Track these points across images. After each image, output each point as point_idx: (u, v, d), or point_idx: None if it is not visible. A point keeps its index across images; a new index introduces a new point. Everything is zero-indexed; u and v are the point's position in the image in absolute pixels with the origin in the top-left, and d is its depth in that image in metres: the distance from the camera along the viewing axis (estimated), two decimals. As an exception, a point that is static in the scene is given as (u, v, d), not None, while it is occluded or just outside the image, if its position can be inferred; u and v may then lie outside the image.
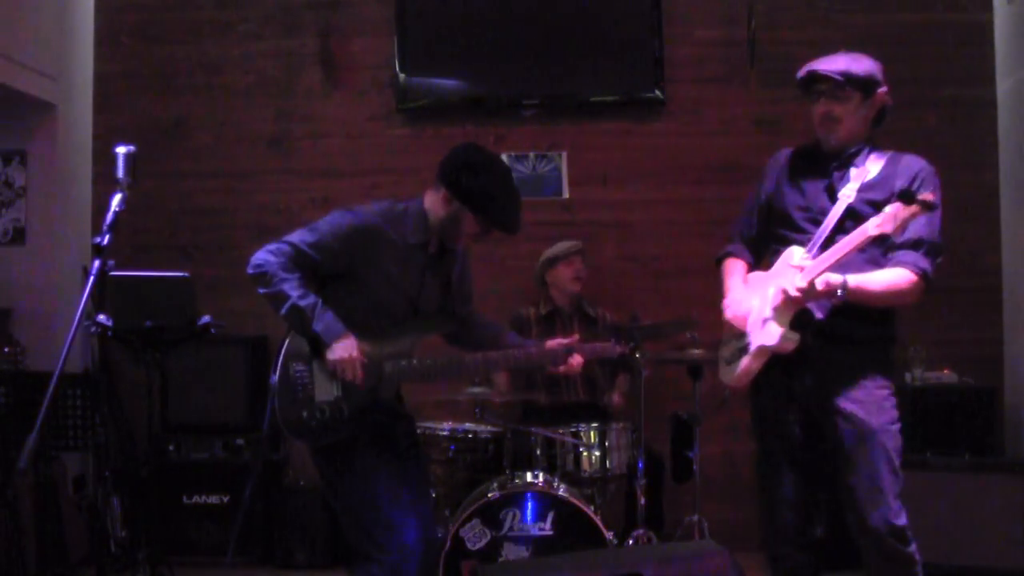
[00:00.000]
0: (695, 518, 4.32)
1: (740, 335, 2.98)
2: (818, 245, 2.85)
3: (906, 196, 2.59)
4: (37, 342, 4.62)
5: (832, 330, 2.85)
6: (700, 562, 2.72)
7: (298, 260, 2.91)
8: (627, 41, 5.21)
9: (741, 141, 5.21)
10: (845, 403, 2.83)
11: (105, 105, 5.35)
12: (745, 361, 2.93)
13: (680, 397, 4.76)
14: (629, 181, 5.28)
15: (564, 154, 5.30)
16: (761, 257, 3.19)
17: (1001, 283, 5.04)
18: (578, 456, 4.06)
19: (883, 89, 2.94)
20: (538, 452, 4.07)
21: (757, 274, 3.07)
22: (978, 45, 5.14)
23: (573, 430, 4.09)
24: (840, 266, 2.75)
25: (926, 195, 2.59)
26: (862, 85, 2.89)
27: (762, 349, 2.87)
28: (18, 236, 5.04)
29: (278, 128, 5.38)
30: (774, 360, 2.89)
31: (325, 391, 2.91)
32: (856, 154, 2.94)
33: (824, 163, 2.99)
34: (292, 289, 2.87)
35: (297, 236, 2.93)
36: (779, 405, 2.98)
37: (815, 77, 2.92)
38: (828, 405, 2.86)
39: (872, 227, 2.65)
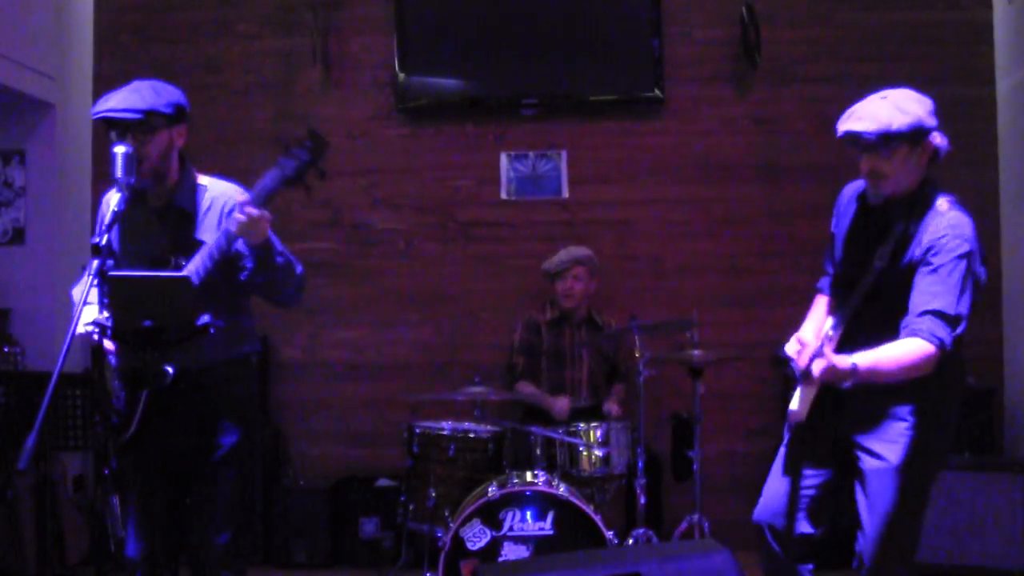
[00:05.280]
0: (695, 517, 4.31)
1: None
2: (847, 314, 2.69)
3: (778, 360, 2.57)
4: (37, 342, 4.62)
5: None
6: (700, 561, 2.71)
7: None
8: (626, 41, 5.21)
9: (741, 140, 5.22)
10: (868, 440, 2.74)
11: (105, 105, 5.34)
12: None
13: (680, 397, 4.76)
14: (629, 181, 5.28)
15: (564, 153, 5.30)
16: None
17: (1001, 283, 5.03)
18: (578, 456, 4.06)
19: (933, 135, 2.72)
20: (538, 452, 4.07)
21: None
22: (978, 44, 5.14)
23: (573, 429, 4.09)
24: (856, 328, 2.65)
25: (804, 367, 2.53)
26: (907, 138, 2.67)
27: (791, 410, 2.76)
28: (18, 236, 5.03)
29: (278, 128, 5.38)
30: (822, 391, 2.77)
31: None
32: (902, 207, 2.74)
33: (870, 214, 2.85)
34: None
35: None
36: (816, 434, 2.86)
37: (853, 137, 2.70)
38: (852, 442, 2.78)
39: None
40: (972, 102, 5.08)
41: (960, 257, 2.63)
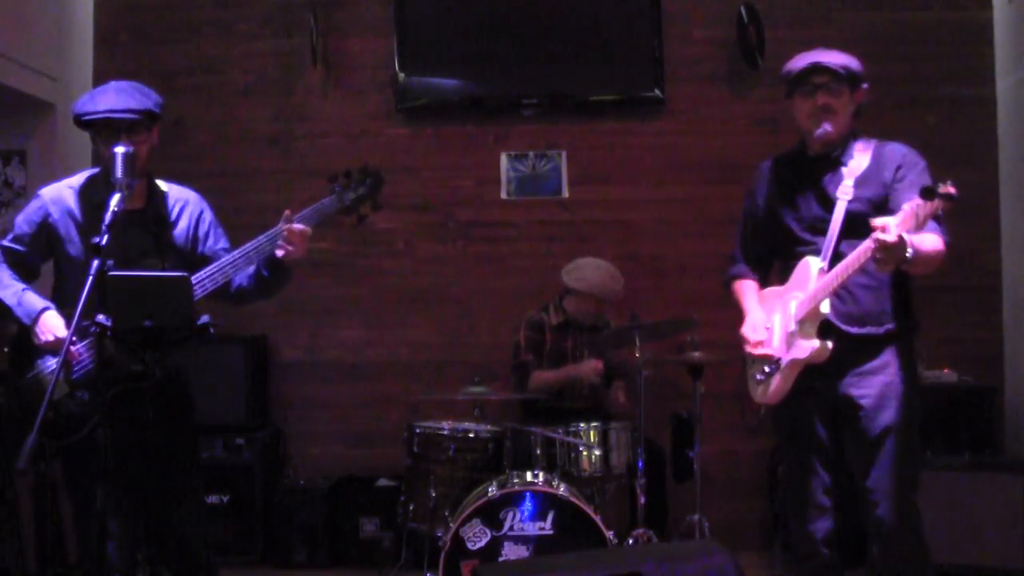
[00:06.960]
0: (696, 517, 4.32)
1: (766, 357, 2.97)
2: (829, 253, 2.83)
3: (928, 192, 2.48)
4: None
5: (849, 327, 2.86)
6: (700, 561, 2.71)
7: (9, 260, 2.91)
8: (627, 41, 5.21)
9: (741, 140, 5.21)
10: (865, 399, 2.85)
11: (105, 105, 5.33)
12: (778, 378, 2.94)
13: (680, 397, 4.76)
14: (629, 180, 5.27)
15: (564, 153, 5.30)
16: (767, 274, 3.16)
17: (1001, 282, 5.04)
18: (578, 455, 4.06)
19: (865, 86, 2.98)
20: (538, 452, 4.06)
21: (772, 290, 3.05)
22: (978, 44, 5.14)
23: (573, 429, 4.09)
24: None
25: (947, 188, 2.47)
26: (853, 80, 2.93)
27: (794, 363, 2.87)
28: (17, 236, 5.02)
29: (277, 128, 5.38)
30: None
31: (60, 387, 2.71)
32: (843, 151, 2.95)
33: (811, 166, 2.99)
34: None
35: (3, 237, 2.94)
36: (807, 411, 2.97)
37: (817, 69, 2.91)
38: (849, 400, 2.88)
39: (894, 227, 2.51)
40: (972, 102, 5.08)
41: (926, 169, 2.88)
